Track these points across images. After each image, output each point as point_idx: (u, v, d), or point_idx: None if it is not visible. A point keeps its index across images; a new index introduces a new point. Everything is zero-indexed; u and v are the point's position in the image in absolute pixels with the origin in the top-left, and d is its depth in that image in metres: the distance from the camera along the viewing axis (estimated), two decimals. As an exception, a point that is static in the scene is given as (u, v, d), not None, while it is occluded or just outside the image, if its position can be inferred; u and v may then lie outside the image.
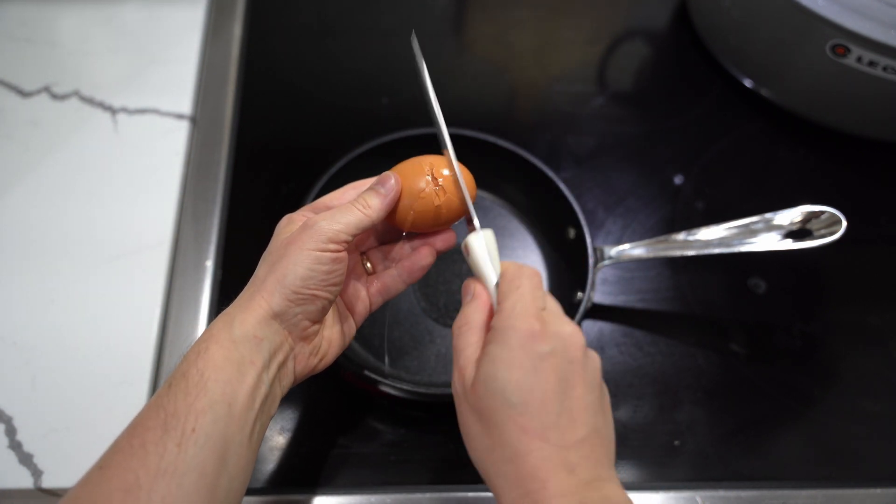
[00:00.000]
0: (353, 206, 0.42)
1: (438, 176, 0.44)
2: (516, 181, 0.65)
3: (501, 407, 0.34)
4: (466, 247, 0.41)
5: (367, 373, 0.52)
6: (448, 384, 0.57)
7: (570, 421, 0.34)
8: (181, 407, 0.35)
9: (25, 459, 0.50)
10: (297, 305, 0.40)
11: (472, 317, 0.39)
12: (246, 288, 0.41)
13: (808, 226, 0.57)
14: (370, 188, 0.43)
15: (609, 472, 0.34)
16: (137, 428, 0.35)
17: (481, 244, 0.41)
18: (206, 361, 0.36)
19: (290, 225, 0.43)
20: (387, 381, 0.52)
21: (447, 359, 0.59)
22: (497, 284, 0.39)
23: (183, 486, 0.33)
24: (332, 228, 0.40)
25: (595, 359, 0.37)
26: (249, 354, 0.38)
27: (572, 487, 0.32)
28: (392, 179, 0.43)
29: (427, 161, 0.45)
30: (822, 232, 0.56)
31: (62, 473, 0.50)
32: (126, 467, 0.33)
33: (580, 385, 0.35)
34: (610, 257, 0.59)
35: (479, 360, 0.36)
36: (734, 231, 0.58)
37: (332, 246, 0.40)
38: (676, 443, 0.56)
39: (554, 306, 0.38)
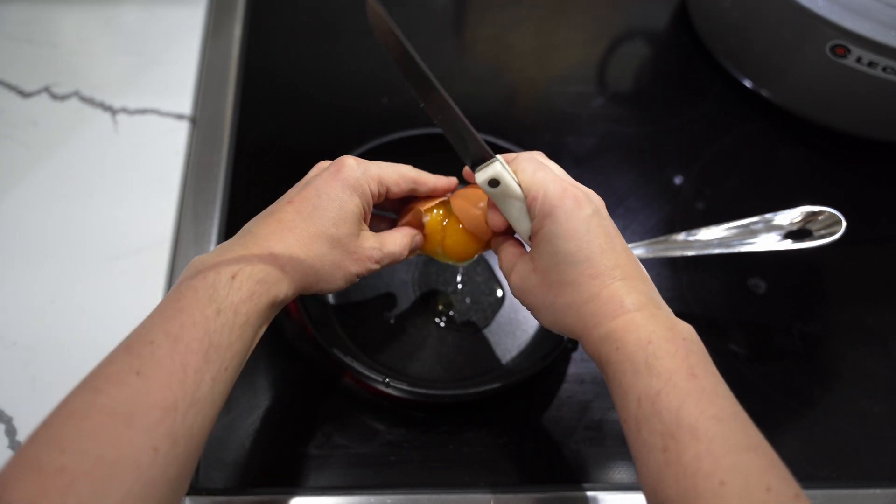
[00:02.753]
0: (396, 242, 0.48)
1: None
2: (516, 181, 0.65)
3: (571, 268, 0.41)
4: (493, 179, 0.43)
5: (367, 373, 0.52)
6: (448, 384, 0.57)
7: (624, 261, 0.41)
8: (224, 341, 0.37)
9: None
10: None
11: (497, 244, 0.48)
12: (275, 233, 0.42)
13: (808, 226, 0.57)
14: (413, 236, 0.50)
15: (659, 298, 0.42)
16: (181, 342, 0.36)
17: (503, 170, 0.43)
18: (249, 306, 0.39)
19: (343, 193, 0.45)
20: (387, 382, 0.52)
21: (447, 359, 0.59)
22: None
23: (207, 417, 0.36)
24: (375, 257, 0.46)
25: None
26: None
27: (643, 300, 0.40)
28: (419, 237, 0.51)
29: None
30: (822, 232, 0.56)
31: (62, 473, 0.50)
32: (167, 385, 0.34)
33: (616, 234, 0.42)
34: (610, 257, 0.59)
35: (537, 246, 0.42)
36: (734, 231, 0.58)
37: (371, 268, 0.46)
38: (676, 443, 0.56)
39: (565, 173, 0.45)
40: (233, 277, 0.39)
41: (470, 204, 0.49)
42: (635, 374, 0.37)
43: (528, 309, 0.45)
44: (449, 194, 0.50)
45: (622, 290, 0.40)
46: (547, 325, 0.44)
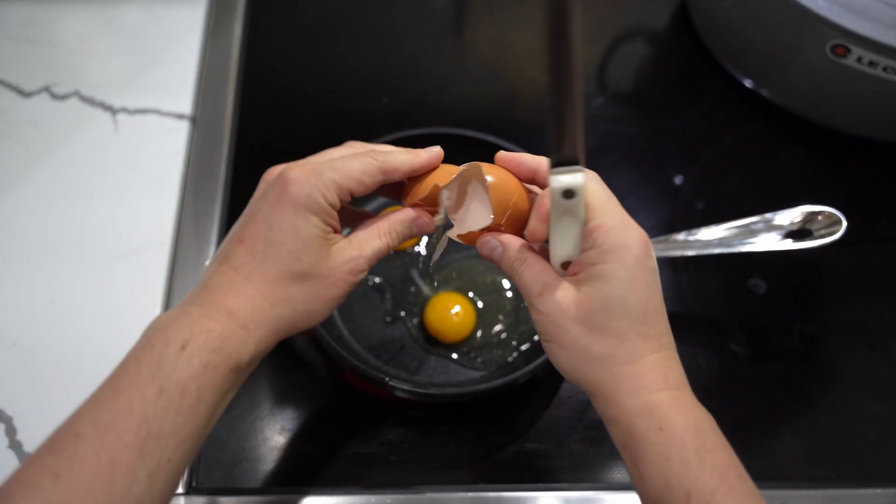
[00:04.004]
0: (380, 236, 0.41)
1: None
2: (516, 181, 0.65)
3: (623, 319, 0.36)
4: (569, 189, 0.36)
5: (367, 373, 0.52)
6: (448, 384, 0.57)
7: (668, 329, 0.38)
8: (166, 428, 0.31)
9: (25, 459, 0.50)
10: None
11: (521, 252, 0.40)
12: (240, 274, 0.37)
13: (808, 226, 0.57)
14: (404, 221, 0.42)
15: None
16: (111, 432, 0.31)
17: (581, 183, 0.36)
18: (203, 381, 0.33)
19: (296, 214, 0.38)
20: (387, 382, 0.52)
21: (447, 358, 0.59)
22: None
23: None
24: (358, 267, 0.39)
25: None
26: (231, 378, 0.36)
27: (683, 378, 0.37)
28: (423, 218, 0.42)
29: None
30: (822, 232, 0.56)
31: (62, 473, 0.50)
32: (88, 490, 0.29)
33: (662, 295, 0.38)
34: (610, 257, 0.59)
35: (588, 280, 0.36)
36: (734, 231, 0.58)
37: (356, 280, 0.40)
38: (676, 443, 0.56)
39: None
40: (182, 348, 0.33)
41: (503, 193, 0.40)
42: (684, 465, 0.34)
43: (546, 341, 0.39)
44: (463, 167, 0.42)
45: (668, 361, 0.37)
46: (564, 367, 0.38)
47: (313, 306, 0.38)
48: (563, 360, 0.38)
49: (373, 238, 0.40)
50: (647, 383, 0.36)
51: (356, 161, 0.39)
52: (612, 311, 0.36)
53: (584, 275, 0.37)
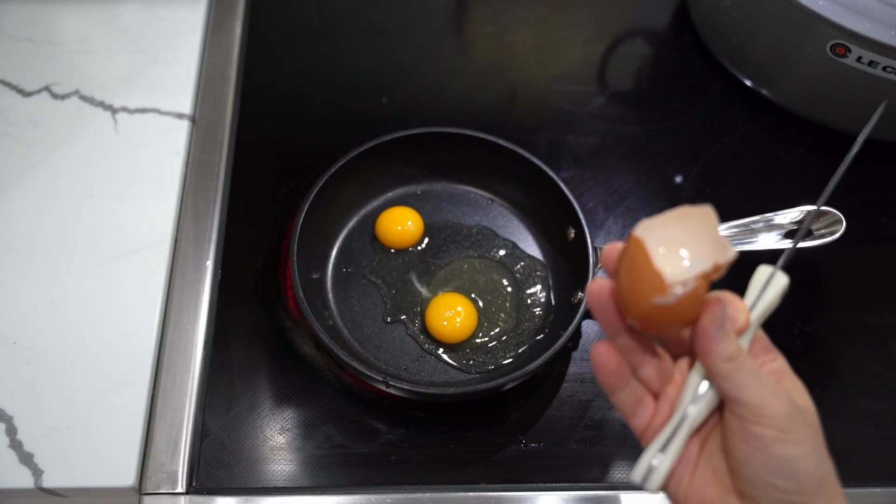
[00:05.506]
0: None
1: None
2: (516, 181, 0.65)
3: None
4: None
5: (367, 373, 0.52)
6: (448, 384, 0.57)
7: None
8: None
9: (26, 459, 0.50)
10: None
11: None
12: None
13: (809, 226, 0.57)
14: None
15: None
16: None
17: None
18: None
19: None
20: (387, 382, 0.52)
21: (447, 358, 0.59)
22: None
23: None
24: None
25: None
26: None
27: None
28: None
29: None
30: (822, 232, 0.56)
31: (62, 473, 0.50)
32: None
33: None
34: (610, 257, 0.59)
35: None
36: (734, 231, 0.58)
37: None
38: (676, 443, 0.56)
39: None
40: None
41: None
42: None
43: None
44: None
45: None
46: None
47: None
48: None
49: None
50: None
51: None
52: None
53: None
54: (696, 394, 0.32)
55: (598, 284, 0.33)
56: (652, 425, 0.34)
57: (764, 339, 0.34)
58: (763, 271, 0.33)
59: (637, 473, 0.32)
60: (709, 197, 0.71)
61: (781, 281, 0.33)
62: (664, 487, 0.33)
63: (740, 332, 0.32)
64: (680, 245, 0.31)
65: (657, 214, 0.31)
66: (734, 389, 0.31)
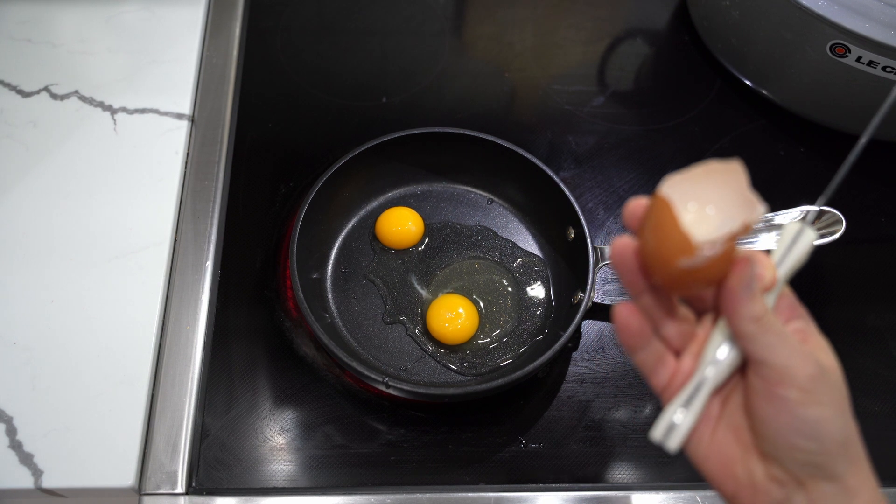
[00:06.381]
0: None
1: None
2: (516, 181, 0.65)
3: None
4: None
5: (367, 373, 0.52)
6: (448, 384, 0.57)
7: None
8: None
9: (26, 459, 0.50)
10: None
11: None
12: None
13: (808, 226, 0.57)
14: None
15: None
16: None
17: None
18: None
19: None
20: (387, 382, 0.52)
21: (447, 358, 0.59)
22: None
23: None
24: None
25: None
26: None
27: None
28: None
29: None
30: (822, 232, 0.56)
31: (62, 473, 0.50)
32: None
33: None
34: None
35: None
36: (734, 231, 0.58)
37: None
38: (676, 443, 0.56)
39: None
40: None
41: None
42: None
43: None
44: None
45: None
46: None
47: None
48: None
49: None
50: None
51: None
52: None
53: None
54: (719, 353, 0.32)
55: (623, 243, 0.31)
56: (673, 383, 0.33)
57: (790, 297, 0.33)
58: (792, 227, 0.33)
59: (657, 431, 0.32)
60: (709, 197, 0.71)
61: (809, 236, 0.32)
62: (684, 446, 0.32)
63: (767, 290, 0.31)
64: (707, 203, 0.30)
65: (683, 169, 0.31)
66: (759, 351, 0.30)
